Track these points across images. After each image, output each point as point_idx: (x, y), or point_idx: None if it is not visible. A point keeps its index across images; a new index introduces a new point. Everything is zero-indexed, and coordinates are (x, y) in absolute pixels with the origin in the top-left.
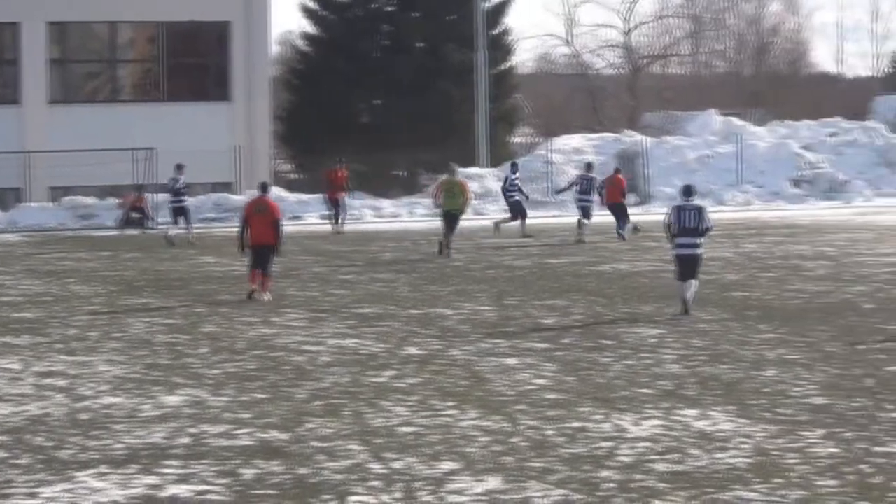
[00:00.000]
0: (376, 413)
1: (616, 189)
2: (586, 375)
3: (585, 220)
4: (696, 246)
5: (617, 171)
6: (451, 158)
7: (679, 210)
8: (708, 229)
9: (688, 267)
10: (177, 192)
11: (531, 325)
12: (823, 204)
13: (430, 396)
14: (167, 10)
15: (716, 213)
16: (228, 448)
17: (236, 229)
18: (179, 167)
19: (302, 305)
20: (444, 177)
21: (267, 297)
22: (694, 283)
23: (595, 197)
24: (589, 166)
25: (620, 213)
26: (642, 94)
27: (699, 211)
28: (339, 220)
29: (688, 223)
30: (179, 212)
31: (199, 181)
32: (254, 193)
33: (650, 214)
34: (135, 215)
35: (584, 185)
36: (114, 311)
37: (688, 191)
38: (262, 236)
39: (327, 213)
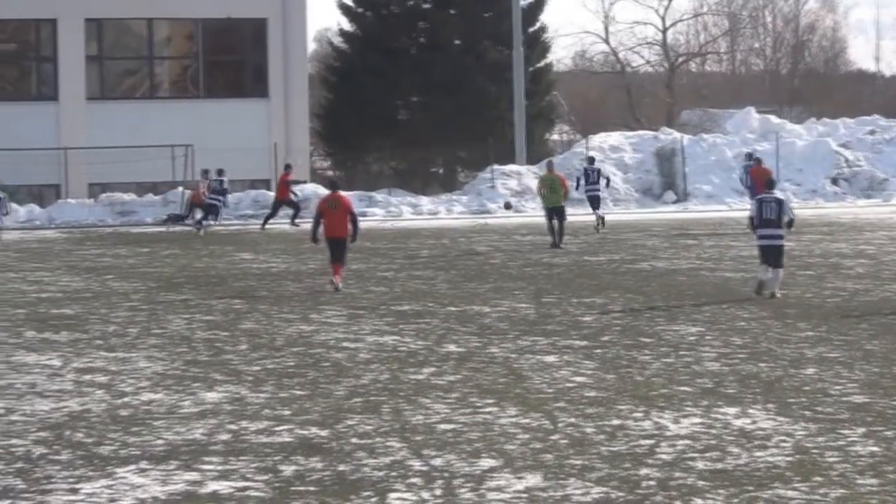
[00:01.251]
0: (415, 410)
1: (766, 180)
2: (626, 373)
3: (594, 209)
4: (778, 237)
5: (759, 161)
6: (489, 155)
7: (760, 203)
8: (791, 221)
9: (770, 256)
10: (220, 191)
11: (570, 323)
12: (862, 202)
13: (469, 393)
14: (204, 7)
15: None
16: (268, 445)
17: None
18: (221, 171)
19: (340, 302)
20: (542, 173)
21: (338, 280)
22: (780, 271)
23: (602, 186)
24: (591, 160)
25: None
26: (679, 92)
27: (779, 203)
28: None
29: (768, 215)
30: (212, 209)
31: (237, 178)
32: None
33: (688, 212)
34: (197, 214)
35: (592, 177)
36: (153, 308)
37: (770, 184)
38: (337, 229)
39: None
